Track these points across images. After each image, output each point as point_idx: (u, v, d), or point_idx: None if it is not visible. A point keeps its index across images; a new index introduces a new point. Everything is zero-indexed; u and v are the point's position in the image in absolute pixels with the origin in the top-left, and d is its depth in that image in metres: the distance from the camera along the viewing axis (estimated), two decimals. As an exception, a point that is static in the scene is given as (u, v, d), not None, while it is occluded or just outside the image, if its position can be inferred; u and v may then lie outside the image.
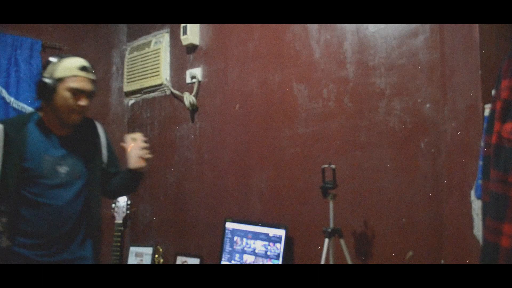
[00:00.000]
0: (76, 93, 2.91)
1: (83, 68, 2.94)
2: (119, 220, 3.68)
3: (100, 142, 3.24)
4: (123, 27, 5.81)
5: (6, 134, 2.82)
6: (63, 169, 2.96)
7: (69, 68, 2.91)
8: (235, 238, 4.03)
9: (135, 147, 3.15)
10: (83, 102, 2.93)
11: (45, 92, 2.87)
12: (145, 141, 3.15)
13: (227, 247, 4.07)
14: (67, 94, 2.88)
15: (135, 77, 5.35)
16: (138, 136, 3.18)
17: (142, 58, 5.30)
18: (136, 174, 3.16)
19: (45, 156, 2.91)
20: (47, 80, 2.85)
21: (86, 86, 2.93)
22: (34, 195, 2.86)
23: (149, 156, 3.13)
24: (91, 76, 2.98)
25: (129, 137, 3.19)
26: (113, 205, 3.72)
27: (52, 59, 2.92)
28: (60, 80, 2.87)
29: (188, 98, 4.69)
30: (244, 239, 3.96)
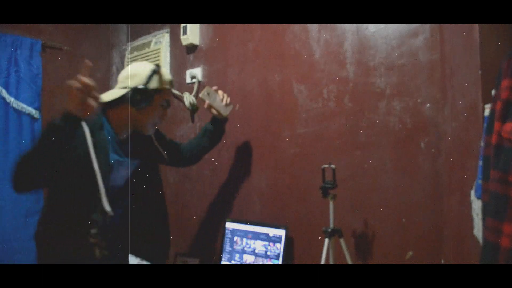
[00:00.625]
0: (165, 106, 3.01)
1: (172, 83, 3.05)
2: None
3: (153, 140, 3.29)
4: (123, 27, 5.81)
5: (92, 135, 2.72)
6: (124, 173, 3.00)
7: (165, 80, 2.97)
8: (235, 238, 4.03)
9: (214, 98, 3.53)
10: (166, 115, 3.04)
11: (141, 100, 2.86)
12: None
13: (227, 247, 4.07)
14: (159, 106, 2.95)
15: (135, 77, 5.36)
16: (213, 88, 3.54)
17: (142, 58, 5.30)
18: (222, 122, 3.67)
19: (115, 161, 2.89)
20: (149, 88, 2.89)
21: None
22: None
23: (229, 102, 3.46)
24: None
25: (205, 91, 3.48)
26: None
27: (158, 69, 2.95)
28: (158, 91, 2.93)
29: (188, 98, 4.69)
30: (244, 239, 3.96)
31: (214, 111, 3.68)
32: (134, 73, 2.93)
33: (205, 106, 3.53)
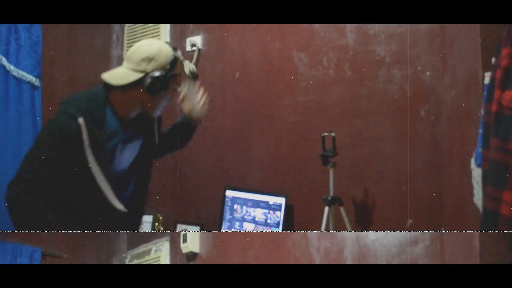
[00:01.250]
0: (177, 88, 2.77)
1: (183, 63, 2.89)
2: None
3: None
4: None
5: (89, 130, 2.45)
6: (129, 156, 2.80)
7: (181, 63, 2.71)
8: (235, 206, 4.04)
9: (192, 94, 3.08)
10: (175, 97, 2.83)
11: (160, 88, 2.57)
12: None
13: (227, 215, 4.08)
14: (172, 90, 2.69)
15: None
16: (196, 85, 3.12)
17: (142, 27, 5.27)
18: (191, 125, 3.13)
19: (119, 146, 2.68)
20: (169, 74, 2.58)
21: None
22: None
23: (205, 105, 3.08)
24: None
25: (186, 83, 3.06)
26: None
27: (178, 53, 2.64)
28: (175, 76, 2.64)
29: (188, 66, 4.68)
30: (244, 207, 3.98)
31: (186, 108, 3.14)
32: (152, 56, 2.55)
33: (179, 97, 3.05)
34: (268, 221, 3.80)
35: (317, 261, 3.54)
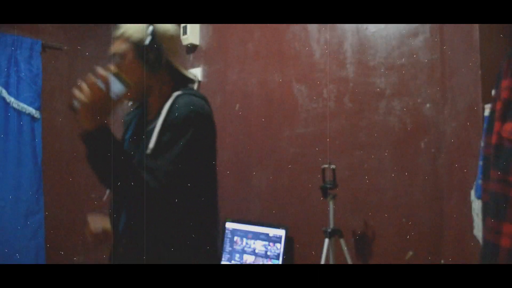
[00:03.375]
0: None
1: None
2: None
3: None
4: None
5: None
6: None
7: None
8: (235, 238, 4.03)
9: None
10: None
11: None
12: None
13: (227, 247, 4.07)
14: None
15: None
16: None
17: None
18: None
19: None
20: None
21: None
22: None
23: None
24: None
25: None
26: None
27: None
28: None
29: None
30: (244, 239, 3.97)
31: None
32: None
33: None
34: (268, 253, 3.79)
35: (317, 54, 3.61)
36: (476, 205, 2.69)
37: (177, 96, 2.24)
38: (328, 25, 3.71)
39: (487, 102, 2.59)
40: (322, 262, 3.16)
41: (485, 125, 2.08)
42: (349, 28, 3.58)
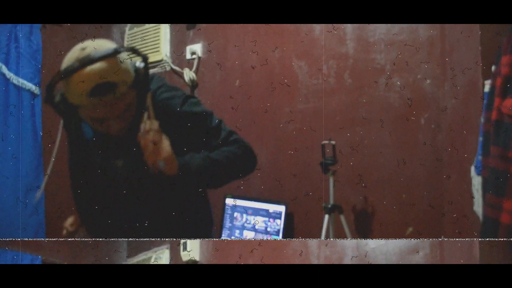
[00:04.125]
0: None
1: (97, 91, 1.94)
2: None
3: None
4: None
5: None
6: None
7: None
8: (235, 214, 4.04)
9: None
10: None
11: None
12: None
13: (227, 223, 4.08)
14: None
15: (135, 53, 5.32)
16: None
17: (142, 34, 5.28)
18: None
19: None
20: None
21: None
22: None
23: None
24: None
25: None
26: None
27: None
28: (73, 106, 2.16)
29: (188, 74, 4.68)
30: (244, 215, 3.97)
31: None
32: None
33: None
34: (268, 229, 3.79)
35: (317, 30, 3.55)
36: (476, 181, 2.70)
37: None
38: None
39: (487, 78, 2.58)
40: (322, 238, 3.17)
41: (485, 101, 2.08)
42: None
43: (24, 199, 4.82)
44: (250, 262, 3.53)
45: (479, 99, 2.67)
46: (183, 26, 4.87)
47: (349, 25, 3.56)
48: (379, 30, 3.40)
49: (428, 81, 3.17)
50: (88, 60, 1.90)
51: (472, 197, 2.71)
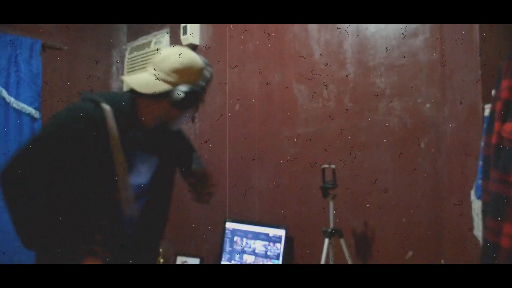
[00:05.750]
0: (201, 103, 2.51)
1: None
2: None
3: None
4: (123, 27, 5.82)
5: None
6: (146, 171, 2.53)
7: (209, 77, 2.44)
8: (235, 238, 4.03)
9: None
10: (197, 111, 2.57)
11: (188, 103, 2.34)
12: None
13: (227, 247, 4.07)
14: (196, 108, 2.50)
15: (135, 77, 5.35)
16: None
17: (142, 58, 5.30)
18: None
19: (139, 157, 2.45)
20: (199, 88, 2.37)
21: None
22: None
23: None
24: None
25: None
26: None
27: (210, 69, 2.45)
28: (203, 90, 2.42)
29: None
30: (244, 239, 3.97)
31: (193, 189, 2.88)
32: (184, 68, 2.33)
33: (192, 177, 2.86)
34: (268, 253, 3.78)
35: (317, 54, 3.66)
36: (476, 205, 2.70)
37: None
38: (329, 25, 3.71)
39: (487, 102, 2.59)
40: (322, 262, 3.16)
41: (485, 125, 2.09)
42: (349, 28, 3.58)
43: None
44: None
45: (479, 123, 2.67)
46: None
47: (349, 48, 3.58)
48: (379, 54, 3.41)
49: (428, 105, 3.17)
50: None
51: (472, 221, 2.71)
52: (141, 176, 2.48)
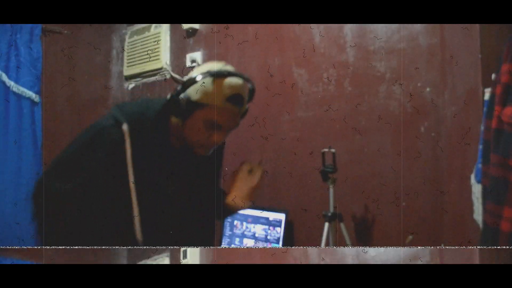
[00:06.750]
0: (212, 127, 2.23)
1: (233, 99, 2.19)
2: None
3: None
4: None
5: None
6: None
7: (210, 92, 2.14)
8: (235, 222, 4.03)
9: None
10: (217, 139, 2.31)
11: (181, 112, 2.13)
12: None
13: (227, 231, 4.07)
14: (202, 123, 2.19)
15: (135, 61, 5.33)
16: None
17: (142, 42, 5.29)
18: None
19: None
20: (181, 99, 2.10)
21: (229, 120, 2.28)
22: None
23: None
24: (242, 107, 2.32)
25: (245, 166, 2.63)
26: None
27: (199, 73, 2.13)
28: (199, 105, 2.14)
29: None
30: (244, 223, 3.97)
31: (231, 194, 2.60)
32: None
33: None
34: (268, 237, 3.79)
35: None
36: (476, 189, 2.70)
37: None
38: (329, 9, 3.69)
39: (487, 86, 2.59)
40: (322, 246, 3.17)
41: (485, 109, 2.09)
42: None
43: (25, 207, 4.80)
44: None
45: (479, 107, 2.67)
46: (183, 34, 4.88)
47: (349, 33, 3.57)
48: (379, 38, 3.40)
49: (428, 89, 3.17)
50: (233, 72, 2.18)
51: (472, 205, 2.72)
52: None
